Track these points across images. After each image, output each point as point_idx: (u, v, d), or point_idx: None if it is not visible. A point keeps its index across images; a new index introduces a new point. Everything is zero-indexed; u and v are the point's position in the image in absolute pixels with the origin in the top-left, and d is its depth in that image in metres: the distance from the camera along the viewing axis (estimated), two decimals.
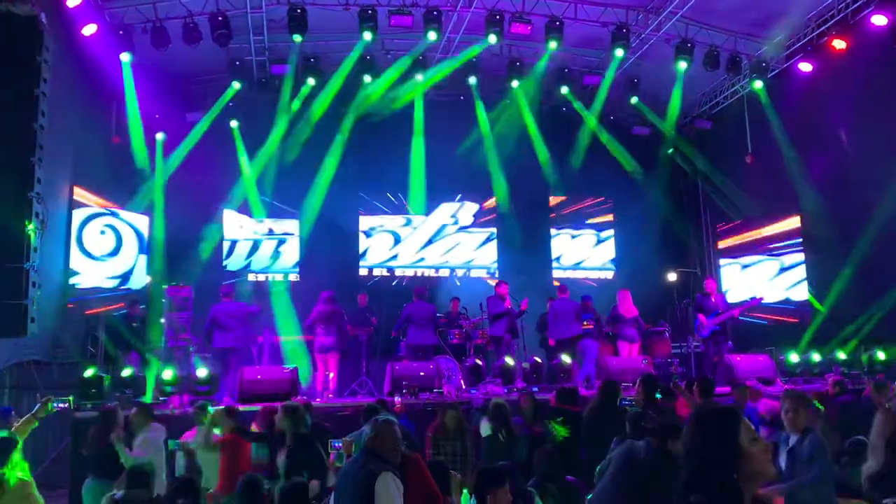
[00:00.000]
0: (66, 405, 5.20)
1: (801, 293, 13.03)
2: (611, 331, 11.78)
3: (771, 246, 13.72)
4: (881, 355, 10.41)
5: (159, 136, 12.87)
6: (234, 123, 13.35)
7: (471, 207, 15.05)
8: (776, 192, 13.14)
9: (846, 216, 11.51)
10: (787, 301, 13.19)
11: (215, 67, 12.75)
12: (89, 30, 10.44)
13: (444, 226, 14.95)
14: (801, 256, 13.21)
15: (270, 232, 14.14)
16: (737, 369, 10.32)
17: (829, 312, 11.73)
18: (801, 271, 13.17)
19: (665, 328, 12.38)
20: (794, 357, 10.94)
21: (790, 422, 4.65)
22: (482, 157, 14.05)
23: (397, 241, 14.70)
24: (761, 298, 12.18)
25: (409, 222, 14.81)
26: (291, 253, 14.16)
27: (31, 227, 8.90)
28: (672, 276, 15.06)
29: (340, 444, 4.74)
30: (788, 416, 4.63)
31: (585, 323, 11.34)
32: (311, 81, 13.07)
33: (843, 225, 11.57)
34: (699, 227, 16.05)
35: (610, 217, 15.65)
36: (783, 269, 13.52)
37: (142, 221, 12.47)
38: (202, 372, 9.38)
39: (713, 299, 11.43)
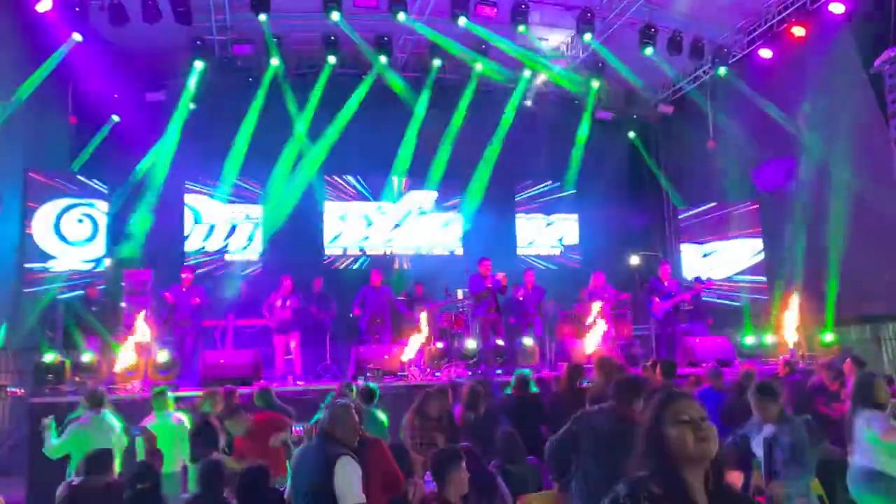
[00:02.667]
0: (21, 391, 5.10)
1: (758, 276, 13.33)
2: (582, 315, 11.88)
3: (730, 230, 13.98)
4: (828, 337, 10.69)
5: (115, 116, 12.62)
6: (191, 105, 13.08)
7: (433, 193, 15.06)
8: (736, 177, 13.36)
9: (803, 201, 11.77)
10: (743, 283, 13.48)
11: (176, 46, 12.48)
12: (43, 6, 10.15)
13: (410, 211, 14.95)
14: (758, 241, 13.49)
15: (247, 217, 14.00)
16: (696, 351, 10.52)
17: (784, 294, 11.99)
18: (759, 255, 13.46)
19: (627, 310, 12.54)
20: (749, 339, 11.21)
21: (762, 412, 4.76)
22: (447, 141, 14.02)
23: (369, 224, 14.67)
24: (711, 282, 12.42)
25: (378, 208, 14.79)
26: (258, 236, 14.05)
27: None
28: (635, 260, 15.27)
29: (301, 429, 4.74)
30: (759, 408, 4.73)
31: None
32: (274, 62, 12.89)
33: (799, 210, 11.83)
34: (661, 211, 16.26)
35: (575, 199, 15.76)
36: (740, 253, 13.79)
37: (101, 205, 12.24)
38: (163, 356, 9.27)
39: (666, 283, 11.61)
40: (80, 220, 11.75)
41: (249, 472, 4.59)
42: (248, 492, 4.47)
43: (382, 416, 6.68)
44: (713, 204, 14.34)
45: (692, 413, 2.25)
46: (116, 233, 12.28)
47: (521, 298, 11.27)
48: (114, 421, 5.91)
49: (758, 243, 13.61)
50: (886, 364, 10.85)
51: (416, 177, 14.70)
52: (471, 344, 10.32)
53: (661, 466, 2.21)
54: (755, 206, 13.60)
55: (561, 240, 15.77)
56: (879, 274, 10.49)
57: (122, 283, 11.16)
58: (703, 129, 14.13)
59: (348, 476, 3.72)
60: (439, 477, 4.03)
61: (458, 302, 11.44)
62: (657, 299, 11.49)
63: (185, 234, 13.67)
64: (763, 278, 13.30)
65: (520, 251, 15.38)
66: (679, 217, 15.35)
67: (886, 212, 10.21)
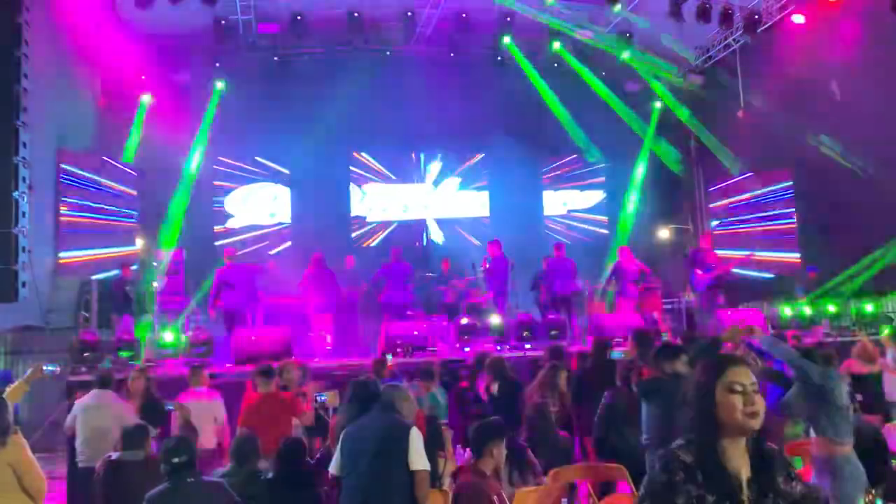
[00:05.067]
0: (58, 369, 5.22)
1: (792, 248, 13.11)
2: (612, 288, 11.85)
3: (763, 202, 13.73)
4: (869, 307, 10.52)
5: (145, 97, 12.71)
6: (219, 85, 13.14)
7: (465, 162, 15.02)
8: (768, 147, 13.11)
9: (837, 172, 11.54)
10: (777, 256, 13.27)
11: (201, 27, 12.52)
12: None
13: (439, 181, 14.95)
14: (792, 212, 13.25)
15: (274, 197, 14.08)
16: (728, 323, 10.40)
17: (819, 266, 11.82)
18: (792, 227, 13.22)
19: (657, 284, 12.43)
20: (787, 310, 11.07)
21: None
22: (479, 111, 13.88)
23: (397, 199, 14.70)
24: (752, 254, 12.25)
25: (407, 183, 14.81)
26: (285, 213, 14.15)
27: (18, 191, 8.83)
28: (664, 233, 15.12)
29: (325, 398, 4.80)
30: None
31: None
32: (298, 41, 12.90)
33: (832, 182, 11.61)
34: (692, 183, 16.03)
35: (602, 175, 15.61)
36: (774, 225, 13.55)
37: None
38: (201, 334, 9.42)
39: (708, 255, 11.48)
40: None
41: (287, 444, 4.67)
42: (286, 464, 4.56)
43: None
44: (744, 175, 14.09)
45: (745, 382, 2.21)
46: (149, 214, 12.44)
47: (484, 269, 11.25)
48: (117, 400, 6.01)
49: (790, 212, 13.35)
50: None
51: (444, 152, 14.66)
52: (496, 319, 10.33)
53: (703, 432, 2.18)
54: (788, 178, 13.32)
55: (588, 212, 15.64)
56: None
57: (155, 263, 11.33)
58: (734, 98, 13.85)
59: (420, 444, 3.92)
60: (478, 449, 4.06)
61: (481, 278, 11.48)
62: (699, 271, 11.37)
63: (217, 214, 13.81)
64: (797, 254, 13.06)
65: (548, 223, 15.27)
66: (709, 190, 15.13)
67: None
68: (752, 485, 2.16)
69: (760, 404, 2.20)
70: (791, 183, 13.19)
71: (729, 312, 10.83)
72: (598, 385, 6.48)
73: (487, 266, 11.18)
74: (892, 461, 5.67)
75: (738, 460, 2.18)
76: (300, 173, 13.78)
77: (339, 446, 3.99)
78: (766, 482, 2.19)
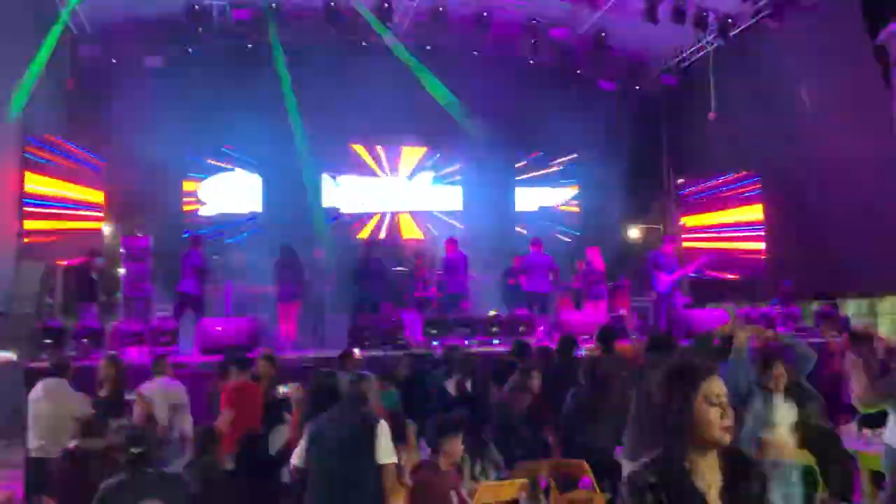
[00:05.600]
0: (14, 356, 5.14)
1: (758, 250, 13.33)
2: (582, 287, 11.93)
3: (730, 203, 13.93)
4: (834, 308, 10.76)
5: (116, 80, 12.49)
6: (191, 70, 12.94)
7: (439, 157, 15.01)
8: (737, 149, 13.30)
9: (803, 174, 11.75)
10: (744, 257, 13.48)
11: (174, 11, 12.33)
12: None
13: (412, 175, 14.91)
14: (759, 213, 13.46)
15: (245, 185, 13.93)
16: (694, 324, 10.56)
17: (785, 267, 12.05)
18: (758, 228, 13.44)
19: (626, 283, 12.56)
20: (752, 310, 11.25)
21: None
22: (449, 107, 13.84)
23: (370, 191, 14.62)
24: (713, 256, 12.42)
25: (379, 176, 14.74)
26: (256, 203, 14.02)
27: None
28: (635, 232, 15.27)
29: (287, 390, 4.79)
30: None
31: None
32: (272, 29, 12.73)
33: (799, 183, 11.83)
34: (662, 183, 16.19)
35: (575, 174, 15.69)
36: (740, 227, 13.76)
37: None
38: (165, 323, 9.33)
39: (669, 257, 11.61)
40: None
41: (247, 436, 4.66)
42: (247, 455, 4.54)
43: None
44: (714, 177, 14.27)
45: (722, 394, 2.10)
46: (116, 201, 12.25)
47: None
48: (73, 388, 5.93)
49: (758, 216, 13.56)
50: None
51: (419, 145, 14.63)
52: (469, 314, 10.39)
53: (674, 448, 2.09)
54: (756, 180, 13.52)
55: (560, 210, 15.72)
56: (873, 249, 10.54)
57: (121, 250, 11.17)
58: (706, 101, 13.99)
59: (388, 438, 3.93)
60: (433, 444, 4.08)
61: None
62: (661, 273, 11.46)
63: (184, 200, 13.63)
64: (762, 247, 13.28)
65: (520, 220, 15.31)
66: (679, 190, 15.29)
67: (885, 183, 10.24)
68: (725, 499, 2.08)
69: (733, 418, 2.11)
70: (759, 186, 13.40)
71: (695, 313, 10.98)
72: (564, 382, 6.55)
73: (442, 265, 11.19)
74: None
75: (709, 475, 2.09)
76: (272, 163, 13.66)
77: (304, 438, 3.97)
78: (739, 495, 2.09)
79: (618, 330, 8.66)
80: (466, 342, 9.55)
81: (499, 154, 14.46)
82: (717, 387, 2.10)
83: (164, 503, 3.50)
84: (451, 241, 11.42)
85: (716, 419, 2.06)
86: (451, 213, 15.05)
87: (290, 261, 10.46)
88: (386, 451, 3.86)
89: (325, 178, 14.47)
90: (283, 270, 10.43)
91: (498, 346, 9.52)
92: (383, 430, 3.90)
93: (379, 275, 10.93)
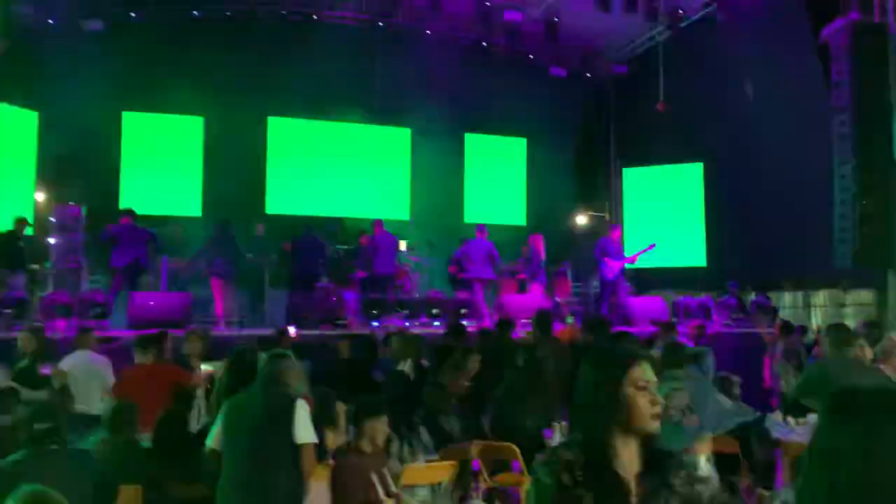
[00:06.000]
0: None
1: (699, 239, 13.59)
2: (524, 273, 11.97)
3: (674, 192, 14.15)
4: (770, 298, 11.04)
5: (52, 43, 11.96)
6: (132, 36, 12.46)
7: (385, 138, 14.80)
8: (683, 139, 13.48)
9: (745, 166, 11.99)
10: (684, 247, 13.73)
11: None
12: None
13: (357, 160, 14.67)
14: (701, 203, 13.71)
15: (184, 157, 13.44)
16: (633, 311, 10.70)
17: (723, 257, 12.33)
18: (700, 218, 13.69)
19: (566, 268, 12.65)
20: (689, 300, 11.47)
21: None
22: (402, 84, 13.63)
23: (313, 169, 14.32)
24: (654, 245, 12.60)
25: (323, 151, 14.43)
26: (195, 176, 13.61)
27: None
28: (581, 219, 15.37)
29: (211, 369, 4.66)
30: None
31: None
32: None
33: (741, 174, 12.06)
34: (609, 171, 16.31)
35: (523, 158, 15.68)
36: (683, 215, 13.99)
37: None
38: (96, 295, 9.02)
39: (617, 244, 11.74)
40: None
41: (165, 414, 4.51)
42: (164, 434, 4.40)
43: None
44: (659, 165, 14.46)
45: (652, 380, 2.07)
46: (50, 168, 11.78)
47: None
48: None
49: (700, 205, 13.82)
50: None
51: (366, 123, 14.42)
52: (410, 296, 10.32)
53: (598, 432, 2.05)
54: (700, 169, 13.77)
55: (507, 195, 15.69)
56: (809, 242, 10.83)
57: (52, 219, 10.76)
58: (655, 90, 14.13)
59: (306, 417, 3.82)
60: (357, 427, 4.00)
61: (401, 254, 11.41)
62: (608, 259, 11.58)
63: (121, 169, 13.17)
64: (703, 237, 13.54)
65: (467, 202, 15.23)
66: (625, 178, 15.44)
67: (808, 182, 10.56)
68: (643, 486, 2.05)
69: (661, 405, 2.08)
70: (703, 176, 13.66)
71: (634, 301, 11.13)
72: (499, 365, 6.54)
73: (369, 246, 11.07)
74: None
75: (630, 461, 2.07)
76: (212, 136, 13.29)
77: (219, 419, 3.86)
78: (657, 483, 2.06)
79: (554, 314, 8.71)
80: (406, 324, 9.49)
81: (447, 134, 14.34)
82: (646, 373, 2.07)
83: (70, 482, 3.34)
84: (379, 223, 11.33)
85: (645, 406, 2.03)
86: (398, 192, 14.87)
87: (223, 236, 10.21)
88: (304, 431, 3.76)
89: (267, 154, 14.12)
90: (216, 246, 10.17)
91: (439, 329, 9.48)
92: (301, 409, 3.81)
93: (317, 252, 10.75)
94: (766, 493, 5.18)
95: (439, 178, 14.20)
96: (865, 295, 11.67)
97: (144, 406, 4.38)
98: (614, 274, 11.51)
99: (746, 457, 5.80)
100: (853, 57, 9.65)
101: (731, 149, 12.38)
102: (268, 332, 7.85)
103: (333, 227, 12.98)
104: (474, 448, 5.31)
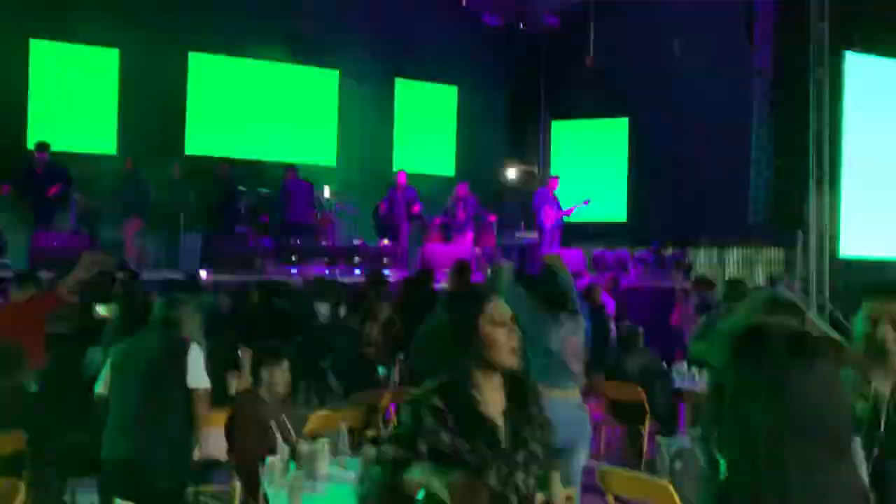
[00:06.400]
0: None
1: (622, 194, 13.81)
2: (450, 223, 11.93)
3: (601, 147, 14.28)
4: (686, 254, 11.36)
5: None
6: None
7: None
8: (611, 95, 13.55)
9: (669, 123, 12.16)
10: (607, 202, 13.92)
11: None
12: None
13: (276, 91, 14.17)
14: (624, 159, 13.91)
15: (97, 85, 12.65)
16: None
17: (644, 212, 12.56)
18: (623, 173, 13.90)
19: (492, 219, 12.66)
20: (606, 253, 11.71)
21: None
22: (334, 21, 13.12)
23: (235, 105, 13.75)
24: (588, 200, 12.75)
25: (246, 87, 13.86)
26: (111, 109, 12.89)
27: None
28: (511, 172, 15.33)
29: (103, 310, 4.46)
30: None
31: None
32: None
33: (665, 131, 12.24)
34: (539, 124, 16.27)
35: (453, 107, 15.48)
36: (608, 170, 14.17)
37: None
38: None
39: (553, 197, 11.85)
40: None
41: (53, 358, 4.30)
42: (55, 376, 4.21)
43: None
44: (587, 119, 14.53)
45: (507, 316, 2.10)
46: None
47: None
48: None
49: (624, 161, 14.00)
50: None
51: (292, 60, 13.89)
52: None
53: (460, 371, 2.06)
54: (626, 125, 13.90)
55: (436, 145, 15.50)
56: (726, 200, 11.15)
57: None
58: (586, 45, 14.09)
59: (199, 361, 3.74)
60: (255, 374, 3.90)
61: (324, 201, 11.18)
62: (548, 209, 11.66)
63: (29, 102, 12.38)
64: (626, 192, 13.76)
65: (395, 148, 14.95)
66: (553, 131, 15.46)
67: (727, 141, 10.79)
68: (507, 422, 2.08)
69: (521, 341, 2.11)
70: (628, 132, 13.82)
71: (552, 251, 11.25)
72: (417, 313, 6.51)
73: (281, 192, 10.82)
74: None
75: (495, 397, 2.09)
76: (128, 70, 12.59)
77: (107, 363, 3.72)
78: (521, 418, 2.11)
79: (477, 265, 8.73)
80: (326, 271, 9.35)
81: (377, 75, 13.99)
82: (502, 308, 2.10)
83: None
84: (292, 170, 11.05)
85: (503, 340, 2.06)
86: (325, 135, 14.46)
87: (137, 176, 9.79)
88: (196, 376, 3.68)
89: (189, 89, 13.49)
90: (129, 186, 9.75)
91: (359, 277, 9.38)
92: (194, 352, 3.71)
93: (234, 195, 10.43)
94: (664, 440, 5.37)
95: (367, 124, 13.88)
96: (776, 252, 12.14)
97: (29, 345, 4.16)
98: (552, 223, 11.66)
99: (651, 402, 6.02)
100: (775, 20, 9.81)
101: (657, 106, 12.51)
102: (178, 275, 7.61)
103: (255, 170, 12.57)
104: (386, 395, 5.30)
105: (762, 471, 1.78)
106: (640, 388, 6.00)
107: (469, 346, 2.06)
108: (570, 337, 3.96)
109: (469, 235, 11.78)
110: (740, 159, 11.72)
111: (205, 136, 13.42)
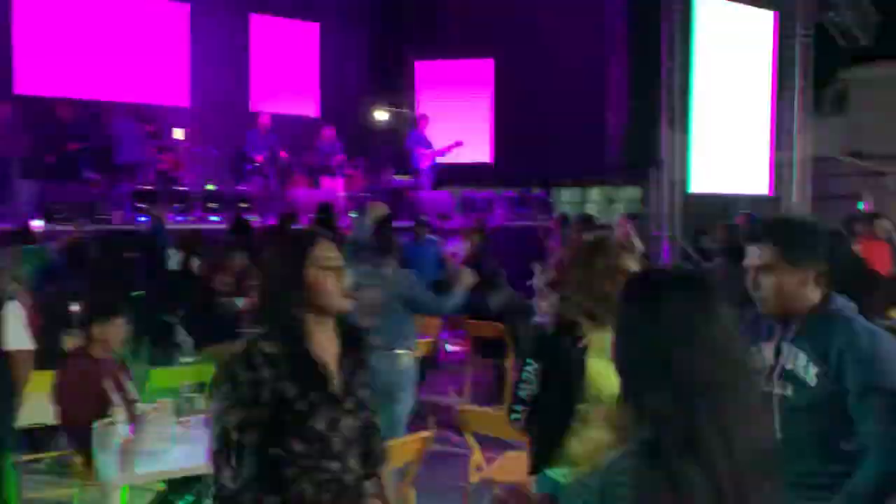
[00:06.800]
0: None
1: (487, 136, 13.87)
2: (315, 166, 11.55)
3: (466, 88, 14.20)
4: (547, 194, 11.62)
5: None
6: None
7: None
8: (475, 34, 13.44)
9: (533, 63, 12.23)
10: (473, 143, 13.94)
11: None
12: None
13: None
14: (490, 98, 13.93)
15: None
16: (420, 205, 10.77)
17: (510, 154, 12.69)
18: (490, 113, 13.95)
19: (359, 163, 12.38)
20: (474, 194, 11.78)
21: None
22: None
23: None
24: (461, 142, 12.73)
25: None
26: None
27: None
28: (379, 114, 14.97)
29: None
30: None
31: None
32: None
33: (529, 71, 12.32)
34: (404, 64, 15.93)
35: (315, 42, 14.86)
36: (473, 111, 14.14)
37: None
38: None
39: (426, 138, 11.72)
40: None
41: None
42: None
43: None
44: (453, 59, 14.38)
45: (334, 258, 2.03)
46: None
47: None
48: None
49: (489, 100, 14.02)
50: None
51: None
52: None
53: (290, 317, 1.99)
54: (490, 65, 13.87)
55: (297, 84, 14.81)
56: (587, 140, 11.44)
57: None
58: None
59: (16, 321, 3.41)
60: (86, 330, 3.59)
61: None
62: (422, 149, 11.51)
63: None
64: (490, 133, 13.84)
65: (254, 87, 14.15)
66: (419, 72, 15.21)
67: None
68: (342, 368, 2.05)
69: (350, 281, 2.08)
70: (493, 71, 13.81)
71: (423, 194, 11.22)
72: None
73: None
74: None
75: (327, 343, 2.05)
76: None
77: None
78: (353, 363, 2.09)
79: (344, 209, 8.55)
80: (179, 219, 8.83)
81: (230, 14, 13.13)
82: (328, 250, 2.03)
83: None
84: (118, 109, 10.45)
85: (332, 284, 2.00)
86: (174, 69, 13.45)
87: None
88: (13, 336, 3.33)
89: None
90: None
91: (217, 224, 8.94)
92: (10, 311, 3.36)
93: (77, 139, 9.55)
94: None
95: (222, 62, 13.07)
96: (633, 191, 12.66)
97: None
98: (428, 163, 11.57)
99: (513, 335, 6.16)
100: None
101: (520, 47, 12.50)
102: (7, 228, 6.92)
103: (99, 111, 11.58)
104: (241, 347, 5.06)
105: None
106: (500, 324, 6.12)
107: (298, 292, 1.98)
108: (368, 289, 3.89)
109: (338, 180, 11.47)
110: (599, 100, 12.01)
111: (38, 75, 12.18)
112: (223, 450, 1.90)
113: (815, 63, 11.82)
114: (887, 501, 1.98)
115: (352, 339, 2.12)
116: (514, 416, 2.61)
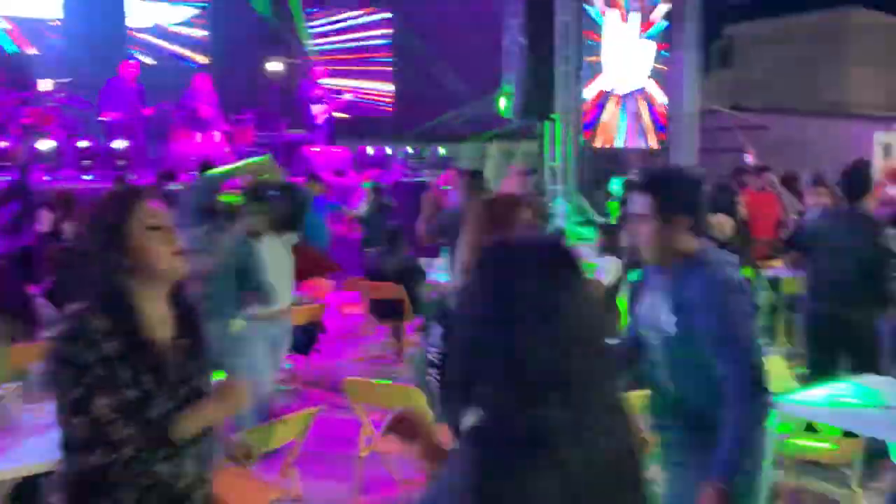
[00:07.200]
0: None
1: (388, 91, 13.55)
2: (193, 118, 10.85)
3: (362, 39, 13.78)
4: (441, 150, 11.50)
5: None
6: None
7: None
8: None
9: (431, 18, 11.97)
10: (372, 95, 13.61)
11: None
12: None
13: None
14: (388, 53, 13.59)
15: None
16: (314, 161, 10.42)
17: (408, 108, 12.44)
18: (388, 67, 13.61)
19: (249, 116, 11.79)
20: (370, 149, 11.51)
21: None
22: None
23: None
24: (358, 92, 12.36)
25: None
26: None
27: None
28: (275, 66, 14.26)
29: None
30: None
31: None
32: None
33: (426, 27, 12.06)
34: (300, 14, 15.20)
35: None
36: (372, 65, 13.77)
37: None
38: None
39: (319, 88, 11.29)
40: None
41: None
42: None
43: None
44: (350, 10, 13.89)
45: (161, 217, 1.81)
46: None
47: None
48: None
49: (388, 55, 13.68)
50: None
51: None
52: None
53: (116, 284, 1.77)
54: (388, 17, 13.48)
55: (181, 32, 13.86)
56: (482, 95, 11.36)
57: None
58: None
59: None
60: None
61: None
62: (313, 105, 11.10)
63: None
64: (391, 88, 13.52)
65: (132, 37, 13.11)
66: (315, 22, 14.61)
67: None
68: (176, 337, 1.85)
69: (181, 243, 1.84)
70: (390, 25, 13.44)
71: (318, 149, 10.86)
72: None
73: None
74: None
75: (160, 314, 1.83)
76: None
77: None
78: (189, 332, 1.89)
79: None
80: (47, 178, 8.13)
81: None
82: (152, 208, 1.81)
83: None
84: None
85: (160, 247, 1.78)
86: (42, 21, 12.31)
87: None
88: None
89: None
90: None
91: (91, 183, 8.30)
92: None
93: None
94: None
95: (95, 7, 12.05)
96: (530, 145, 12.69)
97: None
98: (323, 119, 11.18)
99: (409, 295, 6.06)
100: None
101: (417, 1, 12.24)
102: None
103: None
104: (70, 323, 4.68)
105: None
106: (397, 285, 6.01)
107: (118, 254, 1.75)
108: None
109: (220, 132, 10.83)
110: (496, 55, 11.87)
111: None
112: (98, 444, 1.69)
113: (704, 19, 12.11)
114: (754, 435, 2.10)
115: (184, 309, 1.90)
116: (428, 378, 2.50)
